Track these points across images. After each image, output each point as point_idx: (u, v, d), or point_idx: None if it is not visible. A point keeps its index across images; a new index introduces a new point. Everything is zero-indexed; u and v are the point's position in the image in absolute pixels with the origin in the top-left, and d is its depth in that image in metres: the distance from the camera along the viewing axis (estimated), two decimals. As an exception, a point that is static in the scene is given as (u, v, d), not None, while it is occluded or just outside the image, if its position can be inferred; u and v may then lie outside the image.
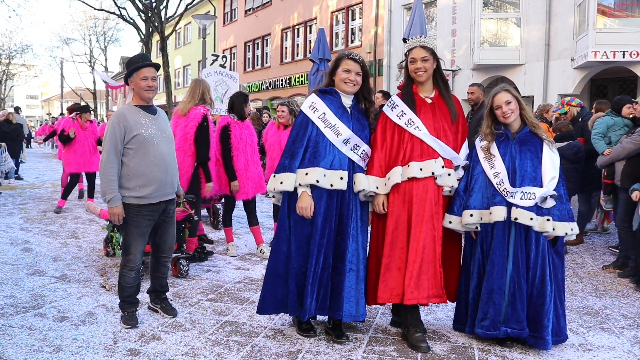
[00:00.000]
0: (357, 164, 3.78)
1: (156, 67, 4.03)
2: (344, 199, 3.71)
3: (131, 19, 27.20)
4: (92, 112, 9.54)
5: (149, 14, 24.58)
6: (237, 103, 6.11)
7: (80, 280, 5.15)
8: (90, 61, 46.29)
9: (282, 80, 25.66)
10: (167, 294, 4.42)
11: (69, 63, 75.68)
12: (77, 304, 4.49)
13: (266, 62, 28.36)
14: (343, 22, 22.65)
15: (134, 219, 3.90)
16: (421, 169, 3.68)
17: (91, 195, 9.47)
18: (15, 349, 3.58)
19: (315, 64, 13.05)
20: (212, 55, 9.45)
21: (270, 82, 26.92)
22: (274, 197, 3.90)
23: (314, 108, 3.77)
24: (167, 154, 4.02)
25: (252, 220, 6.35)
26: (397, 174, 3.71)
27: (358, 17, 21.93)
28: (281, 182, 3.68)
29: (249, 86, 28.34)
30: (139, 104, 4.00)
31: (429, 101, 3.85)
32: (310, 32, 24.40)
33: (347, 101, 3.83)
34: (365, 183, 3.70)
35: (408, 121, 3.75)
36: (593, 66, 13.71)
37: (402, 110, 3.78)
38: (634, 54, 12.71)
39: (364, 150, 3.79)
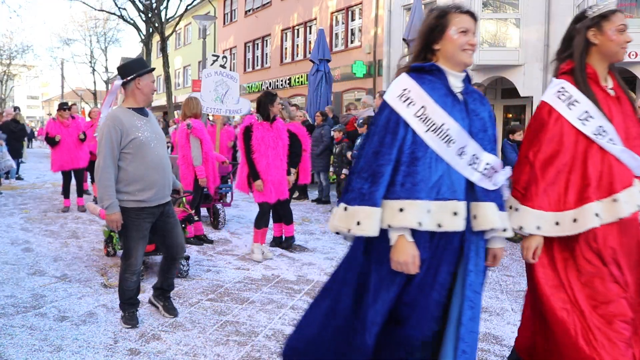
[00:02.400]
0: (478, 185, 2.34)
1: None
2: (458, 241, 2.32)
3: (131, 19, 27.21)
4: (69, 109, 9.41)
5: (149, 15, 24.60)
6: (263, 103, 5.92)
7: (81, 280, 5.17)
8: (90, 62, 46.30)
9: (282, 80, 25.67)
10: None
11: (70, 64, 75.75)
12: (77, 303, 4.51)
13: (266, 63, 28.38)
14: (343, 23, 22.66)
15: (135, 222, 3.86)
16: (626, 203, 2.47)
17: (80, 194, 9.36)
18: (16, 348, 3.59)
19: (315, 65, 13.08)
20: (213, 55, 9.40)
21: (270, 83, 26.93)
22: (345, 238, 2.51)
23: (408, 99, 2.34)
24: (163, 157, 3.97)
25: (287, 220, 6.57)
26: (591, 215, 2.45)
27: (358, 18, 21.94)
28: (358, 223, 2.25)
29: (248, 86, 28.35)
30: (133, 107, 3.92)
31: (612, 93, 2.67)
32: (310, 33, 24.42)
33: (457, 83, 2.48)
34: (497, 219, 2.32)
35: (598, 129, 2.50)
36: (592, 67, 13.73)
37: (587, 111, 2.53)
38: (633, 55, 12.72)
39: (488, 163, 2.34)
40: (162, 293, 4.32)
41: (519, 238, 7.19)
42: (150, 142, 3.85)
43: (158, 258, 5.75)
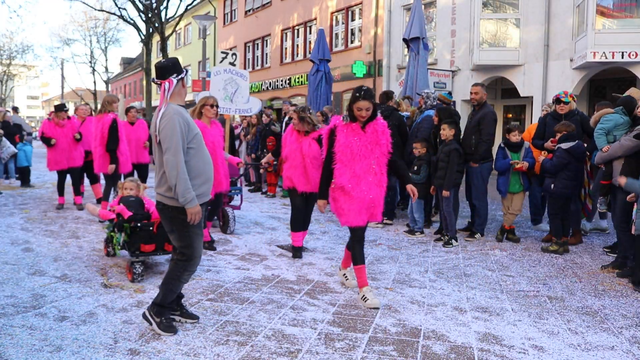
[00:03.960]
0: None
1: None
2: None
3: (131, 19, 27.26)
4: (67, 111, 9.42)
5: (149, 15, 24.63)
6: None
7: (81, 280, 5.17)
8: (90, 62, 46.34)
9: (282, 80, 25.68)
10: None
11: (70, 64, 75.84)
12: (77, 303, 4.51)
13: (266, 63, 28.39)
14: (343, 23, 22.67)
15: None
16: None
17: (77, 192, 9.32)
18: (16, 348, 3.59)
19: (315, 65, 13.07)
20: (222, 52, 9.05)
21: (270, 83, 26.95)
22: None
23: None
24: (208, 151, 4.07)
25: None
26: None
27: (358, 18, 21.95)
28: None
29: (249, 86, 28.36)
30: (182, 104, 3.92)
31: None
32: (310, 33, 24.42)
33: None
34: None
35: None
36: (592, 67, 13.74)
37: None
38: (633, 55, 12.73)
39: None
40: (177, 301, 4.12)
41: (518, 239, 7.18)
42: (202, 137, 3.93)
43: (157, 258, 5.76)
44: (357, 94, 4.53)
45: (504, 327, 4.20)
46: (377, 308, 4.51)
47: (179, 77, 3.84)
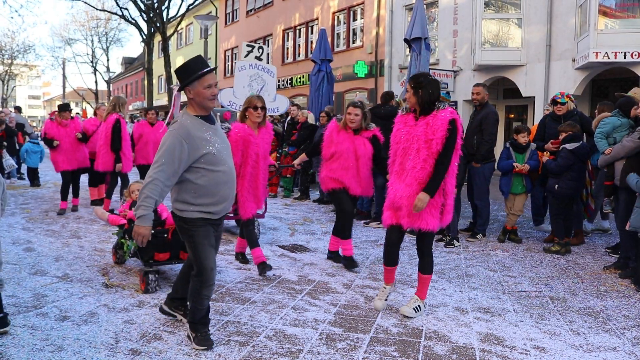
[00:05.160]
0: None
1: (215, 71, 3.59)
2: None
3: (133, 19, 27.29)
4: (71, 111, 9.22)
5: (151, 15, 24.65)
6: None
7: (82, 280, 5.17)
8: (92, 61, 46.40)
9: (283, 80, 25.68)
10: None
11: (71, 63, 75.95)
12: (78, 303, 4.50)
13: (268, 63, 28.36)
14: (344, 23, 22.66)
15: (203, 229, 3.56)
16: None
17: (76, 194, 9.14)
18: (17, 348, 3.59)
19: (317, 65, 13.06)
20: (247, 45, 8.25)
21: (271, 83, 26.92)
22: None
23: None
24: (232, 168, 3.66)
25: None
26: None
27: (359, 18, 21.94)
28: None
29: (250, 86, 28.34)
30: (199, 114, 3.52)
31: None
32: (312, 33, 24.42)
33: None
34: None
35: None
36: (594, 67, 13.72)
37: None
38: (636, 55, 12.70)
39: None
40: (183, 302, 4.04)
41: (520, 239, 7.16)
42: (222, 153, 3.53)
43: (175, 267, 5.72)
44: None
45: (505, 327, 4.19)
46: (378, 310, 4.46)
47: (183, 85, 3.50)
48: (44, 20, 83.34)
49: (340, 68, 21.21)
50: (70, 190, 9.02)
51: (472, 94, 7.47)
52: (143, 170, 9.59)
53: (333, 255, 6.10)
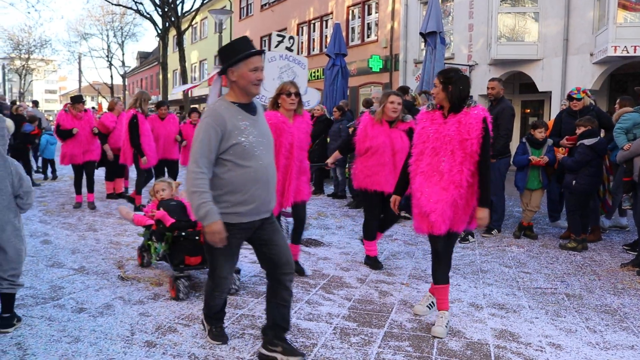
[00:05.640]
0: None
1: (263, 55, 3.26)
2: None
3: (148, 14, 27.44)
4: (84, 103, 9.05)
5: (166, 9, 24.74)
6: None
7: (98, 273, 5.22)
8: (107, 56, 46.71)
9: (297, 75, 25.66)
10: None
11: (87, 58, 76.52)
12: (94, 295, 4.55)
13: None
14: (359, 17, 22.57)
15: None
16: None
17: (91, 189, 8.82)
18: (35, 339, 3.64)
19: (331, 59, 13.04)
20: (277, 35, 7.86)
21: (285, 77, 26.92)
22: None
23: None
24: (269, 166, 3.27)
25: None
26: None
27: (374, 12, 21.83)
28: None
29: (264, 81, 28.36)
30: (239, 101, 3.19)
31: None
32: (327, 27, 24.36)
33: None
34: None
35: None
36: (613, 61, 13.53)
37: None
38: (648, 51, 12.50)
39: None
40: (277, 333, 3.38)
41: (535, 235, 7.09)
42: (256, 148, 3.16)
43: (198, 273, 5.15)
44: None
45: (520, 324, 4.16)
46: (441, 337, 3.87)
47: (227, 66, 3.14)
48: (60, 15, 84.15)
49: (354, 62, 21.14)
50: (85, 185, 8.82)
51: (488, 88, 7.41)
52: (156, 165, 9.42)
53: (368, 261, 5.70)
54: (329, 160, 5.92)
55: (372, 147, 5.33)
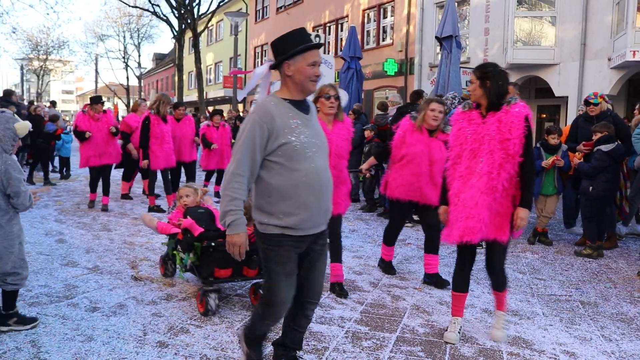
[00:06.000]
0: None
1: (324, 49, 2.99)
2: None
3: (164, 15, 27.61)
4: (103, 104, 8.91)
5: (182, 11, 24.90)
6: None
7: (112, 272, 5.25)
8: (124, 57, 47.10)
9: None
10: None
11: (104, 59, 77.29)
12: (108, 295, 4.58)
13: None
14: (374, 20, 22.54)
15: (276, 252, 2.85)
16: None
17: (106, 192, 8.75)
18: (49, 337, 3.67)
19: (346, 62, 13.03)
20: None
21: (300, 80, 26.95)
22: None
23: None
24: (324, 170, 2.90)
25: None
26: None
27: (390, 15, 21.79)
28: None
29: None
30: (292, 98, 2.88)
31: None
32: (342, 30, 24.35)
33: None
34: None
35: None
36: (631, 66, 13.36)
37: None
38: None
39: None
40: (285, 352, 3.24)
41: (550, 242, 7.01)
42: (308, 149, 2.82)
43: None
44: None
45: (534, 331, 4.12)
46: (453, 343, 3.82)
47: (283, 59, 2.84)
48: (78, 17, 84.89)
49: (369, 66, 21.11)
50: (101, 186, 8.72)
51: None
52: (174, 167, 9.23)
53: (431, 280, 5.25)
54: (364, 167, 5.64)
55: (408, 154, 5.02)
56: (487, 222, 3.61)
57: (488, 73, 3.61)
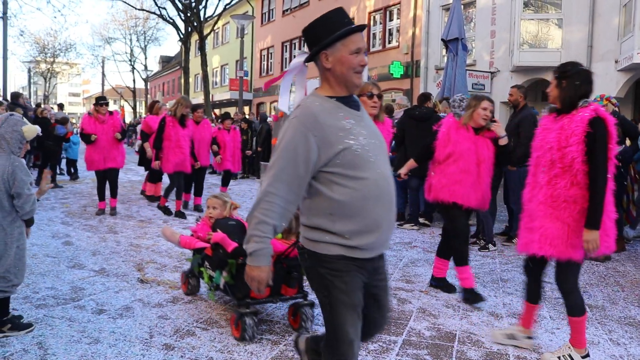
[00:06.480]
0: None
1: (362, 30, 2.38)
2: None
3: (171, 18, 27.77)
4: (107, 104, 8.56)
5: (188, 14, 25.01)
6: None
7: (118, 275, 5.26)
8: (130, 60, 47.33)
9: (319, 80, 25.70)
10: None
11: (110, 62, 77.57)
12: (114, 297, 4.59)
13: None
14: (380, 23, 22.55)
15: (340, 278, 2.29)
16: None
17: (114, 194, 8.54)
18: (56, 339, 3.68)
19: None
20: None
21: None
22: None
23: None
24: (389, 177, 2.37)
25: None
26: None
27: (396, 18, 21.79)
28: None
29: (285, 86, 28.45)
30: (338, 95, 2.35)
31: None
32: (347, 33, 24.36)
33: None
34: None
35: None
36: (638, 68, 13.31)
37: None
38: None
39: None
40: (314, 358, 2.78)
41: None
42: (370, 152, 2.28)
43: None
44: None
45: (541, 334, 4.10)
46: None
47: (320, 48, 2.31)
48: (85, 20, 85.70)
49: (375, 68, 21.12)
50: (108, 188, 8.48)
51: (508, 95, 7.37)
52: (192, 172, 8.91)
53: (439, 283, 5.12)
54: (402, 171, 5.11)
55: (454, 152, 4.67)
56: (550, 234, 3.38)
57: (565, 72, 3.39)
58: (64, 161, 13.94)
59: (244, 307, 3.79)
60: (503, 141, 4.70)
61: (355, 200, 2.24)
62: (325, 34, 2.29)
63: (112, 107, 9.49)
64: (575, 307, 3.48)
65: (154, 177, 9.93)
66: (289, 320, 4.09)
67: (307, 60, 2.42)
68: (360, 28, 2.32)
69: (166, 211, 8.65)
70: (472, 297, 4.72)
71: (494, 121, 4.70)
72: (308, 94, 2.45)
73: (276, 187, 2.21)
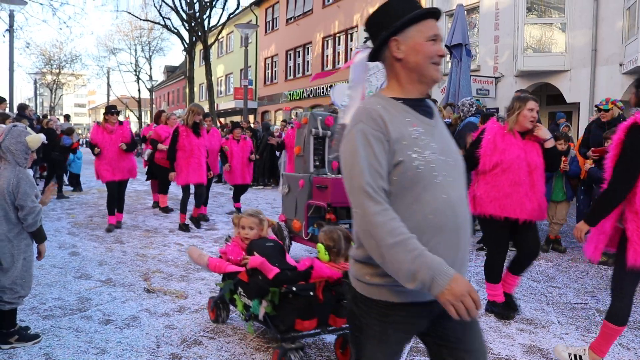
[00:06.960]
0: None
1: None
2: None
3: (175, 28, 27.91)
4: (118, 114, 8.29)
5: (193, 24, 25.14)
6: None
7: (125, 285, 5.27)
8: (135, 70, 47.57)
9: (323, 88, 25.76)
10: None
11: (115, 72, 78.01)
12: (121, 307, 4.59)
13: (307, 71, 28.52)
14: (384, 30, 22.60)
15: (377, 326, 1.90)
16: None
17: (120, 209, 8.35)
18: (63, 349, 3.68)
19: (356, 72, 13.04)
20: (365, 30, 7.30)
21: (311, 90, 27.05)
22: None
23: None
24: (460, 204, 1.89)
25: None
26: None
27: (399, 25, 21.85)
28: None
29: (290, 94, 28.54)
30: (405, 97, 1.92)
31: None
32: (352, 40, 24.43)
33: None
34: None
35: None
36: (643, 71, 13.28)
37: None
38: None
39: None
40: None
41: (564, 249, 6.93)
42: (436, 172, 1.83)
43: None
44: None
45: (550, 339, 4.07)
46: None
47: (389, 34, 1.89)
48: (90, 31, 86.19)
49: (379, 75, 21.14)
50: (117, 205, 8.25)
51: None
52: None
53: (497, 308, 4.64)
54: None
55: (503, 162, 4.27)
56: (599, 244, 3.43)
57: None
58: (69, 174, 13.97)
59: (288, 342, 3.37)
60: (549, 144, 4.36)
61: (417, 212, 1.80)
62: (395, 18, 1.87)
63: (120, 116, 9.33)
64: (610, 310, 3.48)
65: (164, 187, 9.91)
66: (336, 353, 3.64)
67: (372, 55, 1.99)
68: (436, 14, 1.91)
69: (186, 229, 8.19)
70: (500, 311, 4.58)
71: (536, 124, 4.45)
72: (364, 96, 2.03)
73: (377, 200, 1.75)
